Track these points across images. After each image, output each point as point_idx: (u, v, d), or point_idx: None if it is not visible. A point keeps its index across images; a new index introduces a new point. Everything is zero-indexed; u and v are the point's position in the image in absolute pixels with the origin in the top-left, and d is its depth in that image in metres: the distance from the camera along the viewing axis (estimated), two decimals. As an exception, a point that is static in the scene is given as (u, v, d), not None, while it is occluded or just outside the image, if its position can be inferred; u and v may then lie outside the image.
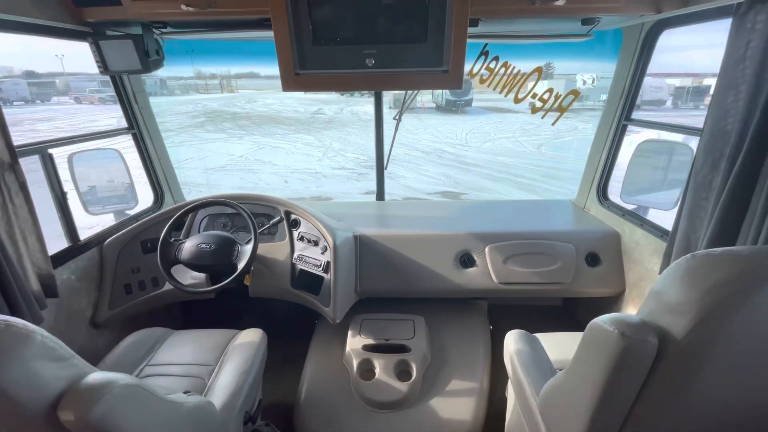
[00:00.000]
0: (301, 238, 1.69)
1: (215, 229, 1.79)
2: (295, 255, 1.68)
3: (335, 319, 1.58)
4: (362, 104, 27.68)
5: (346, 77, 1.28)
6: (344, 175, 9.12)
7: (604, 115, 1.90)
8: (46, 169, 1.47)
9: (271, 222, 1.70)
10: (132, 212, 1.91)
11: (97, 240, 1.68)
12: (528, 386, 1.13)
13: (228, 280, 1.45)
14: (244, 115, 20.40)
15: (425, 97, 28.65)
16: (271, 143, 12.80)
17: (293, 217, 1.74)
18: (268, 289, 1.70)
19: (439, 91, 20.43)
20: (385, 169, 2.39)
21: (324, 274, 1.61)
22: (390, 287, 1.73)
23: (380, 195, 2.46)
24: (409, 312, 1.81)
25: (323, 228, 1.64)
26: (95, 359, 1.62)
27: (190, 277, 1.67)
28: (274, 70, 1.27)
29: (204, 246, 1.48)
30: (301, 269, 1.66)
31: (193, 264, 1.47)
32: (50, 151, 1.48)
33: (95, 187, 1.91)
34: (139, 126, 1.93)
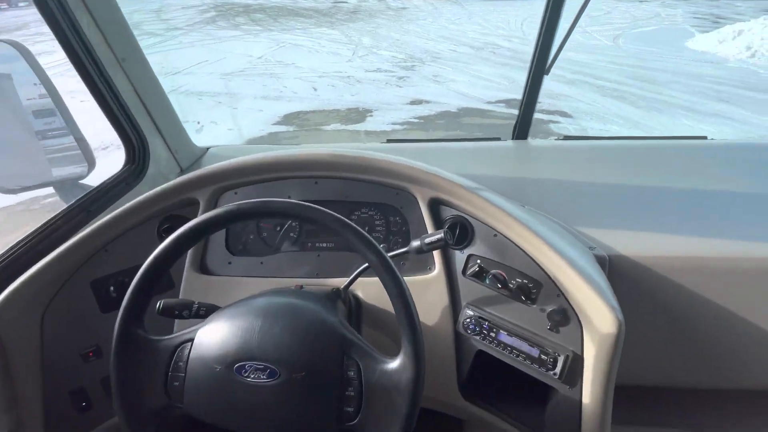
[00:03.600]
0: (479, 273, 0.75)
1: (282, 240, 0.81)
2: (466, 315, 0.74)
3: None
4: (389, -11, 23.81)
5: None
6: (382, 79, 7.73)
7: None
8: None
9: (414, 247, 0.70)
10: (87, 181, 0.97)
11: None
12: None
13: None
14: (258, 7, 17.87)
15: (465, -22, 24.20)
16: (291, 40, 11.13)
17: (450, 213, 0.76)
18: None
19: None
20: (546, 74, 1.33)
21: (557, 382, 0.68)
22: (667, 374, 0.81)
23: (523, 130, 1.40)
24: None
25: (562, 263, 0.66)
26: None
27: None
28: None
29: (257, 370, 0.54)
30: (480, 351, 0.75)
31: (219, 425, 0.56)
32: None
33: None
34: None
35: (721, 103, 5.80)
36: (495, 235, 0.73)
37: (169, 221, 0.77)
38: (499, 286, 0.72)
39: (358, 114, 5.94)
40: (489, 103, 6.07)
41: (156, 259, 0.56)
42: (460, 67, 8.04)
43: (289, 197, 0.78)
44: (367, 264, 0.61)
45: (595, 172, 1.12)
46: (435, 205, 0.77)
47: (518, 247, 0.71)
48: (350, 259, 0.76)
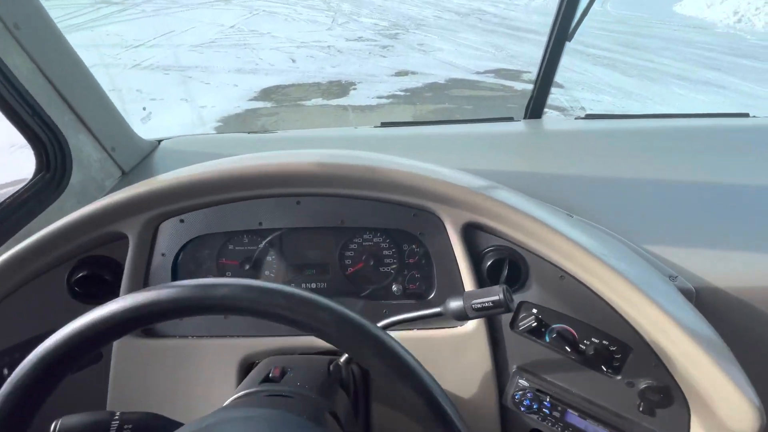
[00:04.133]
0: (537, 330, 0.54)
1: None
2: (519, 387, 0.54)
3: None
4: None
5: None
6: (364, 48, 7.33)
7: None
8: None
9: (453, 310, 0.46)
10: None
11: None
12: None
13: None
14: (227, -31, 16.64)
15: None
16: (265, 7, 10.45)
17: (492, 242, 0.55)
18: None
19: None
20: (569, 41, 1.12)
21: None
22: None
23: (537, 108, 1.18)
24: None
25: (664, 320, 0.45)
26: None
27: None
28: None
29: None
30: (535, 429, 0.55)
31: None
32: None
33: None
34: None
35: (712, 71, 5.67)
36: (562, 277, 0.53)
37: (86, 267, 0.54)
38: (567, 348, 0.52)
39: (341, 87, 5.59)
40: (478, 73, 5.79)
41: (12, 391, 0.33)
42: (446, 35, 7.67)
43: (260, 224, 0.56)
44: None
45: (632, 161, 0.93)
46: (470, 231, 0.56)
47: (597, 295, 0.51)
48: (347, 304, 0.56)
